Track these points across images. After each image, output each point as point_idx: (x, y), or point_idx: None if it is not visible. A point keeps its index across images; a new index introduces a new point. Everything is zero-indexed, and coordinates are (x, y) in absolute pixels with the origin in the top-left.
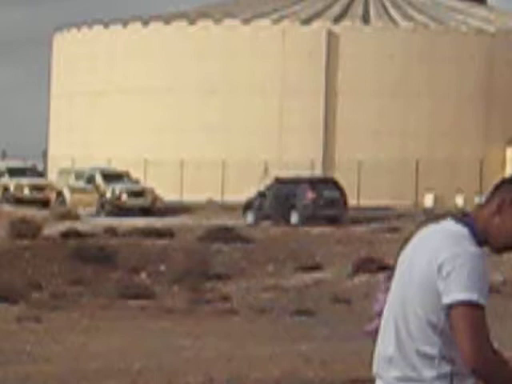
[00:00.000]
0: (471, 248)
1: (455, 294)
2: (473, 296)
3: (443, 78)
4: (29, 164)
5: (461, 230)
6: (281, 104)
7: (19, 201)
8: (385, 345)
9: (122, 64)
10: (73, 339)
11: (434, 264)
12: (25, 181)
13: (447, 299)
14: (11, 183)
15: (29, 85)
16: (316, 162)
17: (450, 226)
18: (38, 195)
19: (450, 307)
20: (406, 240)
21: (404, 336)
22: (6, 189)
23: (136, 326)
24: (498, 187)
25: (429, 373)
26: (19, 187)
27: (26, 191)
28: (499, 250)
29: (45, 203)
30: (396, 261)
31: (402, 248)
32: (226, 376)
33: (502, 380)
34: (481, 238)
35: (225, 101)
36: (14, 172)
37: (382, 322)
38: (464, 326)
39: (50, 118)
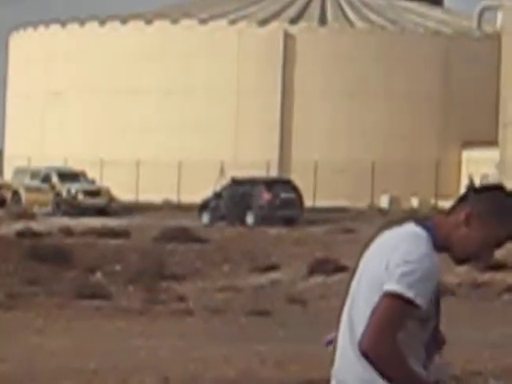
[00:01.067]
0: (423, 249)
1: (392, 284)
2: (408, 292)
3: (400, 80)
4: None
5: (420, 232)
6: (237, 104)
7: None
8: (340, 346)
9: (79, 64)
10: (28, 339)
11: (385, 261)
12: None
13: (385, 287)
14: None
15: None
16: (272, 162)
17: (409, 227)
18: None
19: (383, 295)
20: (366, 245)
21: (356, 336)
22: None
23: (91, 325)
24: (465, 196)
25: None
26: None
27: None
28: (460, 260)
29: (0, 203)
30: (354, 263)
31: (361, 252)
32: (182, 376)
33: (389, 374)
34: (440, 243)
35: (182, 101)
36: None
37: (341, 324)
38: (381, 314)
39: (5, 117)
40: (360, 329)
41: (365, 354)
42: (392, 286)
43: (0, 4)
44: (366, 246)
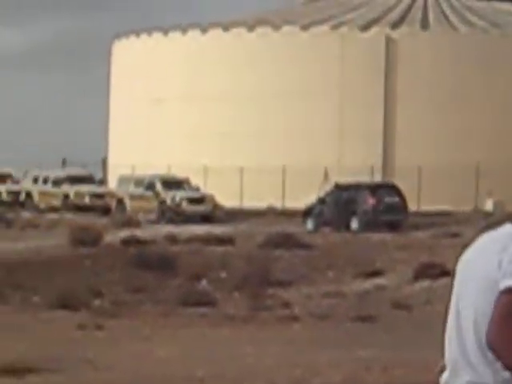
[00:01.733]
0: None
1: (509, 280)
2: None
3: (502, 82)
4: (90, 171)
5: None
6: (340, 109)
7: (79, 209)
8: (449, 352)
9: (181, 71)
10: (134, 347)
11: (496, 261)
12: (85, 188)
13: (501, 285)
14: (71, 191)
15: (88, 92)
16: (376, 167)
17: (508, 228)
18: (99, 203)
19: (502, 292)
20: (465, 247)
21: (466, 342)
22: (66, 197)
23: (197, 333)
24: None
25: (491, 378)
26: (79, 195)
27: (87, 199)
28: None
29: (105, 211)
30: (455, 267)
31: (460, 256)
32: (288, 382)
33: None
34: None
35: (284, 107)
36: (74, 180)
37: (447, 329)
38: (502, 309)
39: (109, 125)
40: (469, 334)
41: (491, 347)
42: (509, 282)
43: (103, 13)
44: (463, 250)
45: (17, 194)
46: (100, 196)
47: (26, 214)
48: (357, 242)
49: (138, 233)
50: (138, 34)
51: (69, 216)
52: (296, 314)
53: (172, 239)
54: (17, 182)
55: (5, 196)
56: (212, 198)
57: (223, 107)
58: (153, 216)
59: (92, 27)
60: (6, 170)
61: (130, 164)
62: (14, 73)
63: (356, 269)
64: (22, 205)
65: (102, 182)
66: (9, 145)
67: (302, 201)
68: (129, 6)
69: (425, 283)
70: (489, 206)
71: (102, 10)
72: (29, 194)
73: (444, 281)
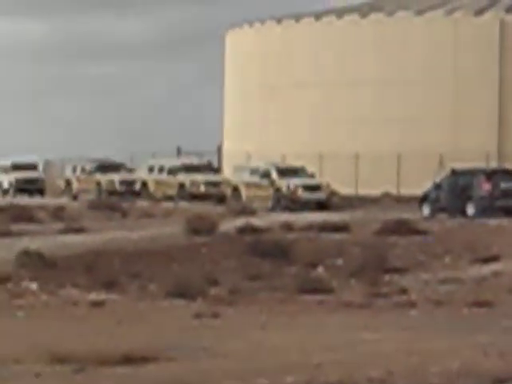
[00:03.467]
0: None
1: None
2: None
3: None
4: (204, 160)
5: None
6: (455, 95)
7: (195, 197)
8: None
9: (295, 58)
10: (251, 334)
11: None
12: (200, 177)
13: None
14: (187, 180)
15: (203, 81)
16: (491, 153)
17: None
18: (214, 191)
19: None
20: None
21: None
22: (182, 186)
23: (314, 320)
24: None
25: None
26: (195, 184)
27: (202, 187)
28: None
29: (220, 199)
30: None
31: None
32: (406, 369)
33: None
34: None
35: (399, 93)
36: (189, 169)
37: None
38: None
39: (224, 114)
40: None
41: None
42: None
43: (217, 3)
44: None
45: (131, 183)
46: (215, 184)
47: (141, 204)
48: (473, 228)
49: (254, 221)
50: (251, 22)
51: (184, 205)
52: (413, 300)
53: (287, 227)
54: (130, 171)
55: (117, 186)
56: (328, 185)
57: (338, 93)
58: (268, 204)
59: (206, 17)
60: (118, 159)
61: (245, 152)
62: (131, 62)
63: (473, 254)
64: (138, 194)
65: (217, 170)
66: (122, 133)
67: (417, 187)
68: None
69: None
70: None
71: (216, 1)
72: (144, 184)
73: None
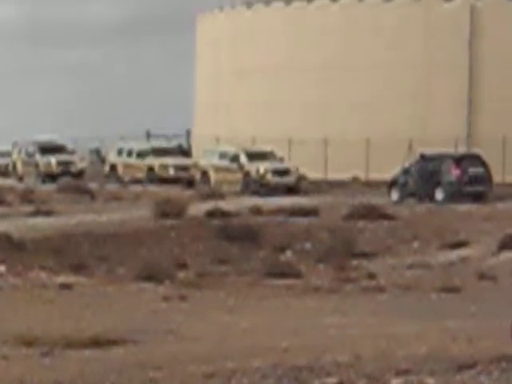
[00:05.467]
0: None
1: None
2: None
3: None
4: (174, 144)
5: None
6: (425, 80)
7: (164, 181)
8: None
9: (265, 43)
10: (219, 318)
11: None
12: (169, 161)
13: None
14: (156, 163)
15: (174, 65)
16: (460, 138)
17: None
18: (183, 175)
19: None
20: None
21: None
22: (150, 169)
23: (282, 304)
24: None
25: None
26: (164, 167)
27: (171, 171)
28: None
29: (189, 183)
30: None
31: None
32: (373, 353)
33: None
34: None
35: (368, 78)
36: (158, 152)
37: None
38: None
39: (195, 98)
40: None
41: None
42: None
43: None
44: None
45: (67, 164)
46: (184, 168)
47: (110, 187)
48: (441, 213)
49: (223, 205)
50: (221, 7)
51: (153, 188)
52: (381, 285)
53: (256, 211)
54: (71, 153)
55: (54, 167)
56: (296, 170)
57: (307, 78)
58: (237, 188)
59: (176, 2)
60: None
61: (215, 136)
62: (100, 47)
63: (441, 240)
64: (75, 175)
65: (187, 154)
66: (92, 118)
67: (386, 172)
68: None
69: (510, 254)
70: None
71: None
72: (113, 167)
73: None
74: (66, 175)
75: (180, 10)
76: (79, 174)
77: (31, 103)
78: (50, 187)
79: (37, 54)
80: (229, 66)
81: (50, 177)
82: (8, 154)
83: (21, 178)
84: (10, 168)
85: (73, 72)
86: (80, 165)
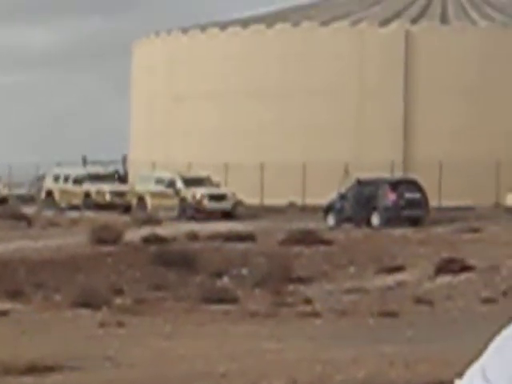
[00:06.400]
0: None
1: None
2: None
3: None
4: (111, 169)
5: None
6: (360, 105)
7: (100, 207)
8: None
9: (201, 69)
10: (156, 344)
11: None
12: (106, 187)
13: None
14: (92, 189)
15: (109, 92)
16: (396, 162)
17: None
18: (120, 201)
19: None
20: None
21: None
22: (87, 195)
23: (219, 329)
24: None
25: None
26: (100, 193)
27: (108, 197)
28: None
29: (126, 209)
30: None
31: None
32: (310, 378)
33: None
34: None
35: (304, 103)
36: (95, 178)
37: None
38: None
39: (130, 124)
40: None
41: None
42: None
43: (122, 15)
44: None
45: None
46: (121, 194)
47: (46, 213)
48: (378, 238)
49: (159, 230)
50: (157, 33)
51: (89, 214)
52: (317, 311)
53: (193, 236)
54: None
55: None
56: (233, 195)
57: (242, 104)
58: (174, 213)
59: (112, 30)
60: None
61: (151, 162)
62: (37, 72)
63: (377, 264)
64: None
65: (123, 179)
66: (27, 144)
67: (322, 197)
68: (147, 8)
69: (446, 278)
70: (510, 200)
71: (120, 13)
72: (49, 193)
73: (465, 276)
74: None
75: (116, 35)
76: (2, 201)
77: None
78: None
79: None
80: (164, 91)
81: None
82: None
83: None
84: None
85: (7, 97)
86: (3, 191)
